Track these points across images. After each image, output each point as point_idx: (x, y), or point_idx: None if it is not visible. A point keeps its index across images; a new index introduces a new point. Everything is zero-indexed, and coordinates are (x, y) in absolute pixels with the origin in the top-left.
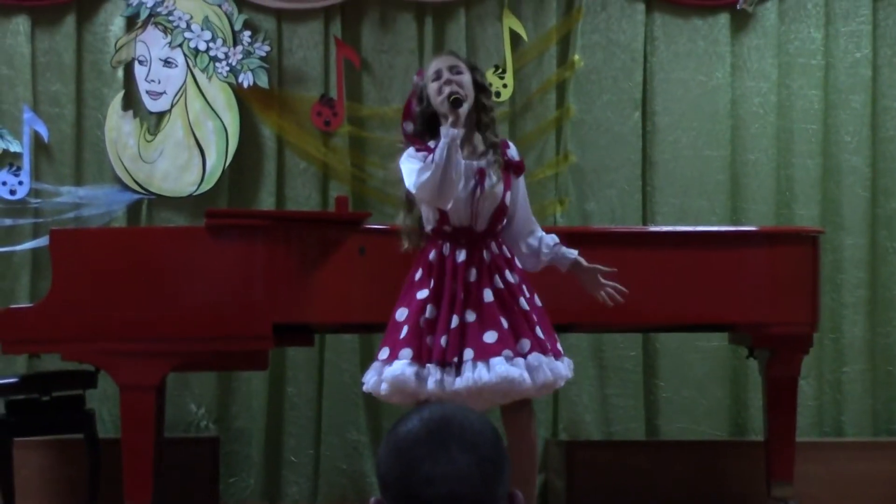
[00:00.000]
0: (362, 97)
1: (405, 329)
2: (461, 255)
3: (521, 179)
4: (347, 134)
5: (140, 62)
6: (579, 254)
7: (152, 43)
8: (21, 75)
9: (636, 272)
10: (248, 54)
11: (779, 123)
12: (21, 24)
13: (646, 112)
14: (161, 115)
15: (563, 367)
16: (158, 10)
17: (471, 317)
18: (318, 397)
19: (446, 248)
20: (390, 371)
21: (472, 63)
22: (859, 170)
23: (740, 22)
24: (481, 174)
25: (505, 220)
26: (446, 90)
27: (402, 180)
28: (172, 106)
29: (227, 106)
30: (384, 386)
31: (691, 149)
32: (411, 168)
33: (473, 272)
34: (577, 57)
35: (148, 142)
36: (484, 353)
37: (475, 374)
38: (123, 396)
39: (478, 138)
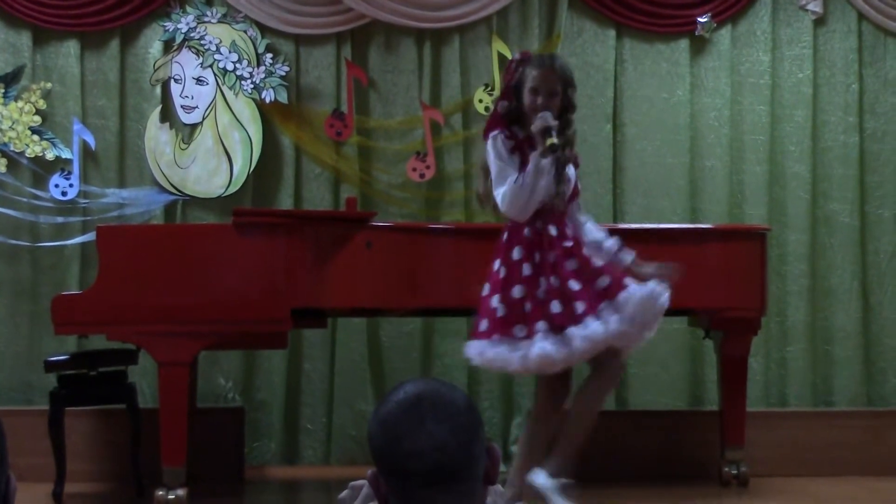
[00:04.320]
0: (369, 111)
1: (528, 305)
2: (553, 230)
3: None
4: (356, 143)
5: (175, 80)
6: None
7: (186, 64)
8: (71, 91)
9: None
10: (269, 74)
11: (731, 135)
12: (72, 47)
13: (616, 124)
14: (194, 127)
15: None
16: (192, 35)
17: (575, 285)
18: (330, 373)
19: (539, 224)
20: (534, 349)
21: (567, 79)
22: (801, 175)
23: (698, 46)
24: (558, 164)
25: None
26: (539, 123)
27: (484, 152)
28: (204, 119)
29: (251, 119)
30: (532, 362)
31: (655, 156)
32: (501, 171)
33: (568, 241)
34: None
35: (182, 150)
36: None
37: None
38: (161, 372)
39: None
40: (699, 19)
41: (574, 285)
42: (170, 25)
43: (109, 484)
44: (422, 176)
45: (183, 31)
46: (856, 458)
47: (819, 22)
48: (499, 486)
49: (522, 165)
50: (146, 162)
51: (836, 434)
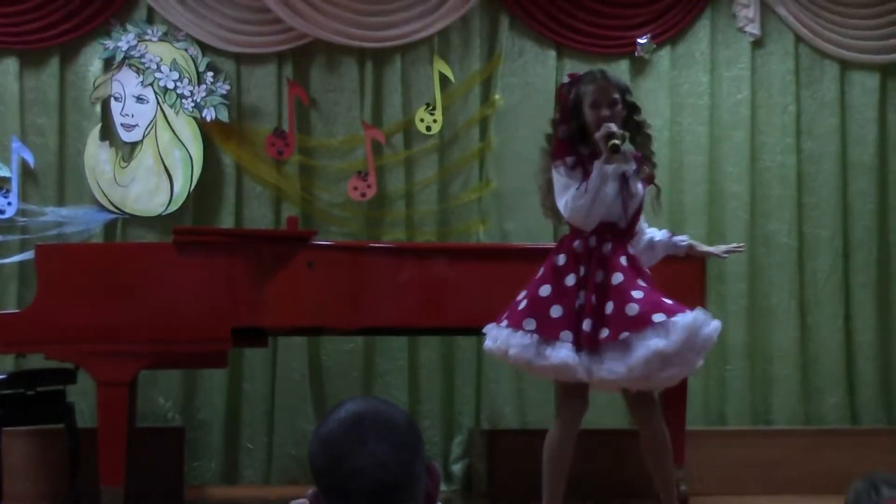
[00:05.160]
0: (311, 130)
1: (557, 309)
2: (607, 248)
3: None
4: (297, 162)
5: (116, 98)
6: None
7: (126, 82)
8: (10, 109)
9: None
10: (210, 92)
11: (671, 155)
12: (11, 64)
13: (549, 143)
14: (134, 145)
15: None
16: (132, 53)
17: (610, 308)
18: (271, 392)
19: (593, 240)
20: (555, 354)
21: (622, 86)
22: (740, 195)
23: (638, 67)
24: (624, 178)
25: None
26: (603, 130)
27: (546, 171)
28: (144, 137)
29: (192, 137)
30: (548, 364)
31: None
32: (564, 186)
33: (622, 259)
34: (497, 96)
35: (122, 168)
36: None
37: (613, 363)
38: (100, 391)
39: (628, 147)
40: (639, 41)
41: (609, 308)
42: (110, 44)
43: None
44: (363, 195)
45: (123, 49)
46: (794, 476)
47: (757, 44)
48: None
49: (585, 177)
50: (86, 180)
51: (774, 452)
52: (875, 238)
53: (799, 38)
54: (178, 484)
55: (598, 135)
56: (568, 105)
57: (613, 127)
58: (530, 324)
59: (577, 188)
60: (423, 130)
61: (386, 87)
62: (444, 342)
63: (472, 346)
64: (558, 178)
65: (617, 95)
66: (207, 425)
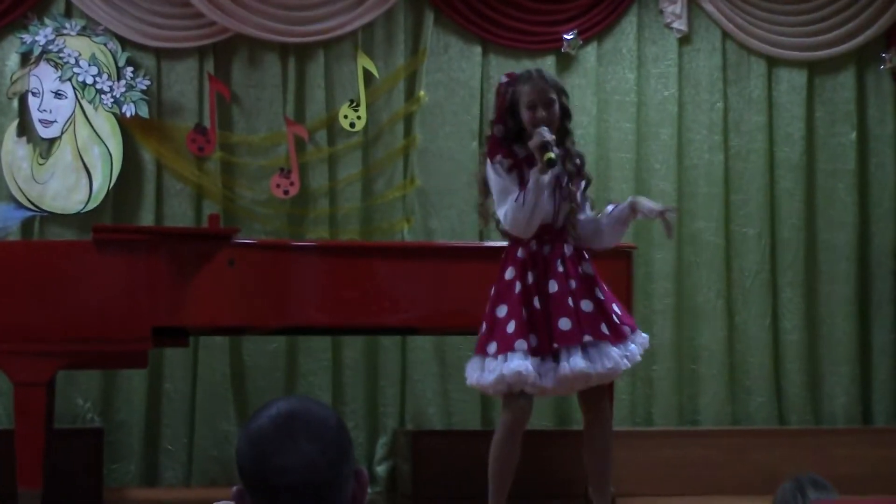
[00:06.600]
0: (232, 126)
1: (512, 324)
2: (546, 249)
3: (583, 183)
4: (219, 159)
5: (33, 94)
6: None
7: (45, 77)
8: None
9: (471, 280)
10: (130, 87)
11: (598, 152)
12: None
13: (482, 141)
14: (52, 141)
15: (636, 348)
16: (50, 47)
17: (560, 311)
18: (192, 392)
19: (533, 245)
20: (508, 367)
21: (559, 87)
22: (667, 193)
23: (564, 63)
24: (558, 180)
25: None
26: (536, 139)
27: (485, 180)
28: (62, 133)
29: (111, 133)
30: (503, 380)
31: None
32: (503, 189)
33: (559, 263)
34: (422, 93)
35: (40, 165)
36: (567, 340)
37: (567, 365)
38: (17, 392)
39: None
40: (565, 36)
41: (558, 312)
42: (27, 38)
43: None
44: (286, 192)
45: (41, 43)
46: (722, 476)
47: (684, 40)
48: None
49: (521, 183)
50: (2, 177)
51: (701, 453)
52: (802, 236)
53: (726, 35)
54: (97, 486)
55: (531, 144)
56: (505, 104)
57: (547, 134)
58: (493, 347)
59: (516, 200)
60: (347, 127)
61: (309, 83)
62: (369, 342)
63: (397, 345)
64: (496, 178)
65: (553, 96)
66: (127, 426)
